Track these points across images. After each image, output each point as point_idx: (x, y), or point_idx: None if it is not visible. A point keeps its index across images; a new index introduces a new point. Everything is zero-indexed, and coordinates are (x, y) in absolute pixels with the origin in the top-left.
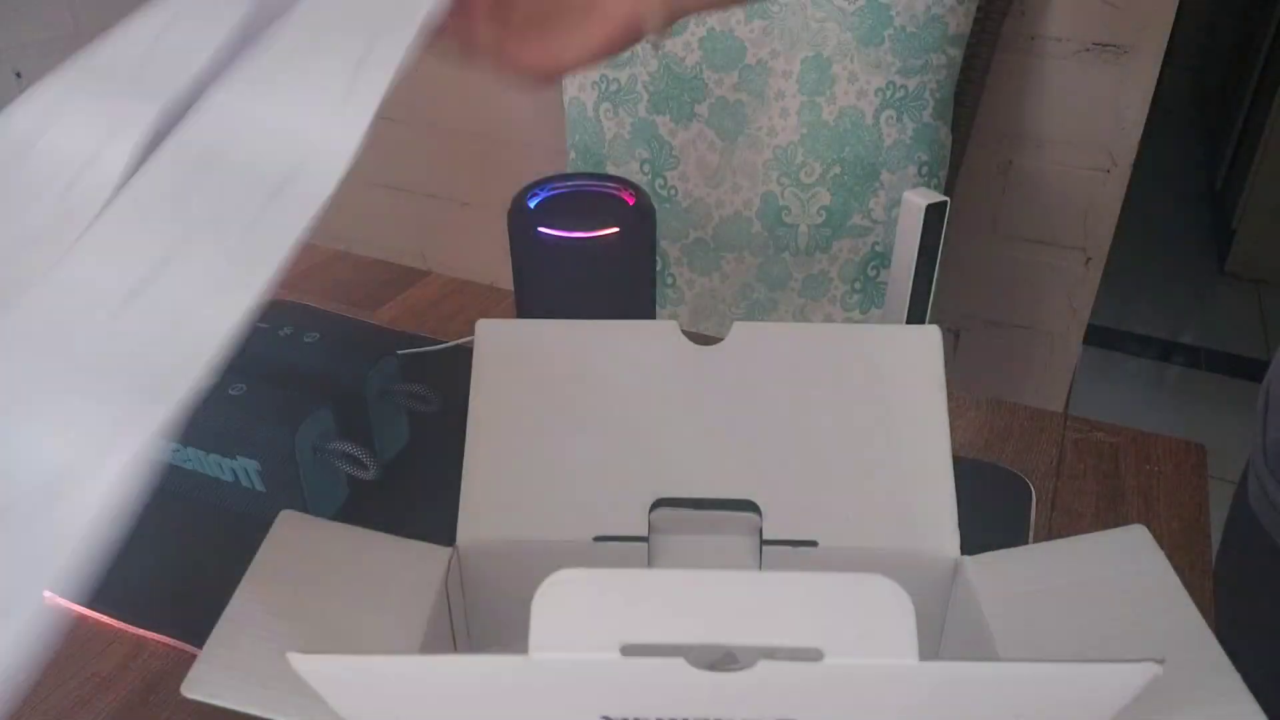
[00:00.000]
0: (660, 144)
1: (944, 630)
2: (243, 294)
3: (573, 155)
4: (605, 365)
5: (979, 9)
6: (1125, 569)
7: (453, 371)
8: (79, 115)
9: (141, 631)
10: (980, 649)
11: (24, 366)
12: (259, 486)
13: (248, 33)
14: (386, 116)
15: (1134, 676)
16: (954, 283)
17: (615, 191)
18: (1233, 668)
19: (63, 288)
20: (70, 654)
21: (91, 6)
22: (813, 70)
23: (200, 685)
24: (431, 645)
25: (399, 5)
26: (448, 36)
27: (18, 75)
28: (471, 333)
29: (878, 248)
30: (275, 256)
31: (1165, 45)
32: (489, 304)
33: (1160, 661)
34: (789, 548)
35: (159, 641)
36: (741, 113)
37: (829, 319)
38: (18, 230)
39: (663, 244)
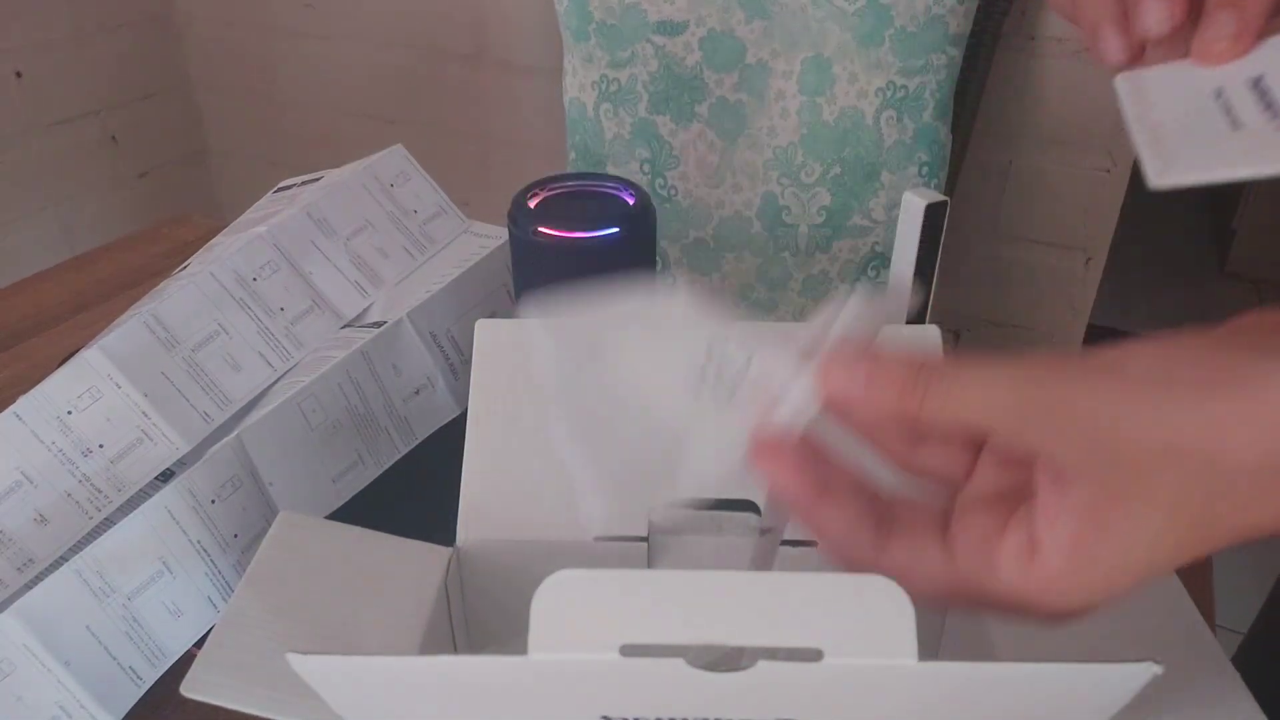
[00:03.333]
0: (660, 144)
1: (944, 630)
2: None
3: (573, 155)
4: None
5: (979, 9)
6: None
7: None
8: None
9: None
10: (980, 649)
11: None
12: None
13: None
14: (386, 117)
15: (1134, 676)
16: (954, 283)
17: (615, 191)
18: (1232, 667)
19: None
20: None
21: (91, 6)
22: (813, 70)
23: (200, 685)
24: (431, 645)
25: None
26: None
27: (18, 75)
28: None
29: (878, 248)
30: None
31: None
32: None
33: (1160, 662)
34: (789, 548)
35: None
36: (741, 113)
37: None
38: None
39: (663, 244)
